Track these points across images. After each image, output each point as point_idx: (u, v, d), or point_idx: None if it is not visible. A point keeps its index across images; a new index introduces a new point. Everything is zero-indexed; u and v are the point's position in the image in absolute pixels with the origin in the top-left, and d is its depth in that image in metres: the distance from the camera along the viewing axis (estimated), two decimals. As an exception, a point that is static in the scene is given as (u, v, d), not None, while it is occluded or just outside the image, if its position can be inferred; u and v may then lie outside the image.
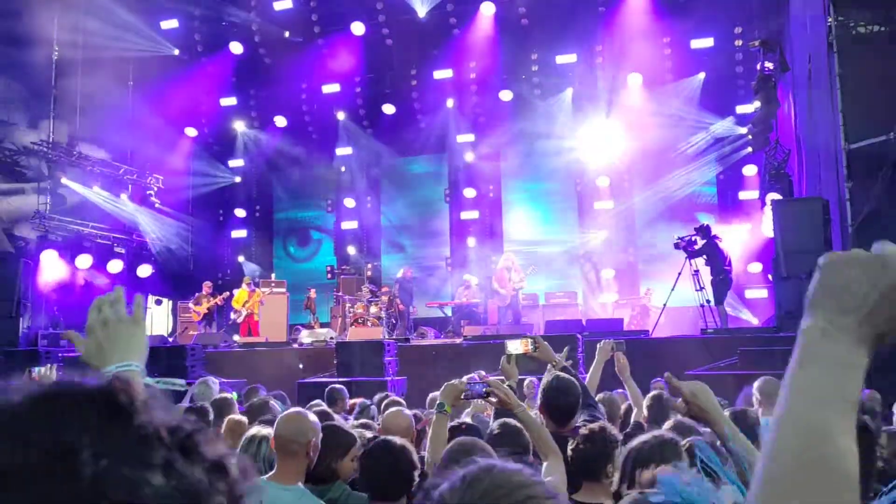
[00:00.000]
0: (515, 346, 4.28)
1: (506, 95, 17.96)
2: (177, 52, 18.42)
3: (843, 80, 9.60)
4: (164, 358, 11.58)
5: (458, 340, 12.59)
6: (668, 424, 3.71)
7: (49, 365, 6.13)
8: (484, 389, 3.36)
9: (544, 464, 3.03)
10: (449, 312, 16.37)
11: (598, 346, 5.02)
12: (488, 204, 18.95)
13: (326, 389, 6.99)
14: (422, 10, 17.08)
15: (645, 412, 4.74)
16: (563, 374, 3.85)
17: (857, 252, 0.89)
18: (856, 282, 0.86)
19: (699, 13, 15.46)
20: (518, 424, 3.33)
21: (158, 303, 18.80)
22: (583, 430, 3.14)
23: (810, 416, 0.81)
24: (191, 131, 19.45)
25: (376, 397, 6.55)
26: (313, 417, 3.28)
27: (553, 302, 16.06)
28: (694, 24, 15.84)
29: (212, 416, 5.00)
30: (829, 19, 9.93)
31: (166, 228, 18.93)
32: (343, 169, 19.94)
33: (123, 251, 17.91)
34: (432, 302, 17.03)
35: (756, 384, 5.03)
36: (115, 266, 17.37)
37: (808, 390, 0.83)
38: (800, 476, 0.78)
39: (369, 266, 17.46)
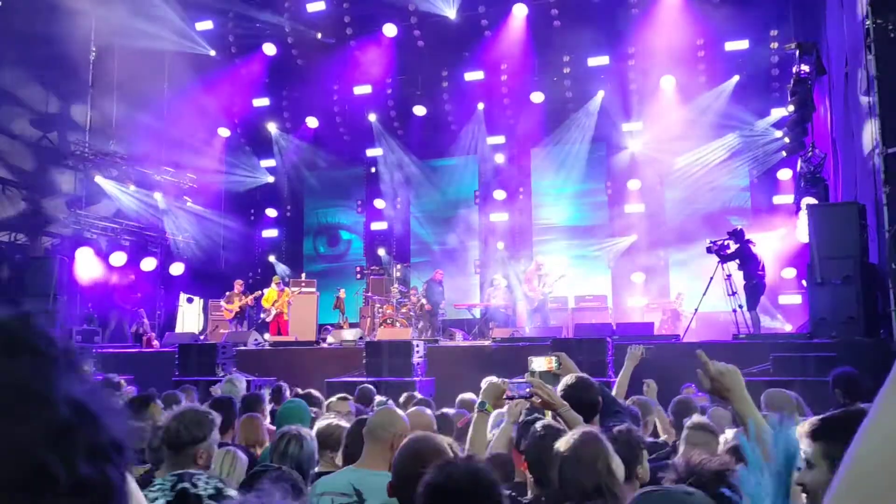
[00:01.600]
0: (539, 364, 4.24)
1: (537, 97, 17.91)
2: (213, 52, 18.63)
3: (881, 82, 9.42)
4: (195, 355, 11.72)
5: (486, 342, 12.57)
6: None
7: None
8: (528, 389, 3.37)
9: None
10: (477, 314, 16.36)
11: (628, 350, 4.99)
12: (518, 206, 18.91)
13: (358, 388, 7.07)
14: (453, 12, 17.10)
15: (670, 416, 4.70)
16: (581, 374, 3.85)
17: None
18: None
19: (734, 15, 15.29)
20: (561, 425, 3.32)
21: (190, 301, 19.03)
22: (610, 433, 3.12)
23: None
24: (224, 131, 19.68)
25: (402, 397, 6.57)
26: (402, 413, 3.51)
27: (582, 305, 15.97)
28: (728, 25, 15.66)
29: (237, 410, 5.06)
30: (867, 21, 9.75)
31: (199, 227, 19.16)
32: (373, 170, 20.05)
33: (157, 249, 18.17)
34: (461, 304, 17.03)
35: (763, 396, 4.82)
36: (149, 264, 17.62)
37: None
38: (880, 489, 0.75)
39: (398, 267, 17.51)
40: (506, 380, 3.67)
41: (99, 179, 17.11)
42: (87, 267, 16.14)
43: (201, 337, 16.02)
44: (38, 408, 0.57)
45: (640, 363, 5.09)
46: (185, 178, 18.94)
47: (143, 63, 16.51)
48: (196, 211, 19.16)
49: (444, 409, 5.39)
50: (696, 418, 3.86)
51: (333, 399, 5.44)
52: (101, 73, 16.93)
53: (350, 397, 5.70)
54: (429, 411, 4.55)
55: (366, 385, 7.08)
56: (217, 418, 3.33)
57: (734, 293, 11.57)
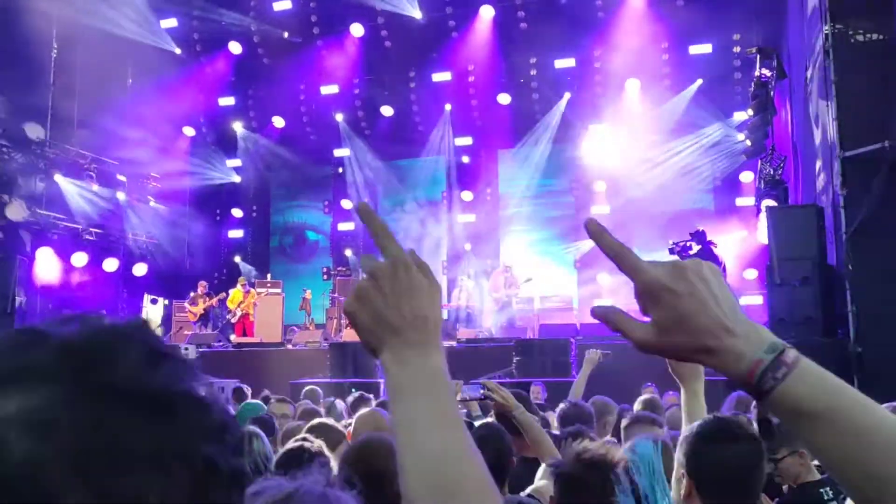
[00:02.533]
0: (468, 394, 4.12)
1: (504, 99, 17.97)
2: (178, 50, 18.41)
3: (839, 87, 9.61)
4: (158, 357, 11.56)
5: (452, 343, 12.59)
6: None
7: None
8: (481, 391, 3.37)
9: (541, 466, 3.04)
10: (444, 315, 16.35)
11: (586, 354, 5.03)
12: (485, 207, 18.96)
13: (304, 389, 7.10)
14: (420, 13, 17.08)
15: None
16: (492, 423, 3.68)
17: (357, 285, 0.96)
18: (377, 305, 0.92)
19: (698, 19, 15.46)
20: (500, 427, 3.32)
21: (154, 302, 18.78)
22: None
23: (425, 444, 0.84)
24: (189, 131, 19.45)
25: (350, 397, 6.53)
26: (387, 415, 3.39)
27: (548, 306, 16.04)
28: (692, 30, 15.84)
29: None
30: (826, 27, 9.93)
31: (163, 227, 18.91)
32: (340, 170, 19.96)
33: (119, 250, 17.90)
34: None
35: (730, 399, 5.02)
36: (111, 264, 17.35)
37: (410, 421, 0.86)
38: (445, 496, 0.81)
39: (365, 268, 17.41)
40: (459, 382, 3.67)
41: (59, 178, 16.80)
42: (47, 268, 15.87)
43: (165, 339, 15.81)
44: (199, 410, 0.62)
45: (600, 364, 5.14)
46: (148, 178, 18.69)
47: (106, 61, 16.25)
48: (160, 211, 18.91)
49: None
50: (636, 411, 3.92)
51: (273, 401, 5.40)
52: (63, 70, 16.63)
53: (290, 400, 5.67)
54: (384, 412, 4.52)
55: (313, 387, 7.08)
56: None
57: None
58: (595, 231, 0.92)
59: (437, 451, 0.83)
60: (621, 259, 0.92)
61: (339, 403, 6.09)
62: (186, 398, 0.62)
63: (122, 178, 18.08)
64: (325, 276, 19.01)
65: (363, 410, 4.35)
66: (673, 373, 2.23)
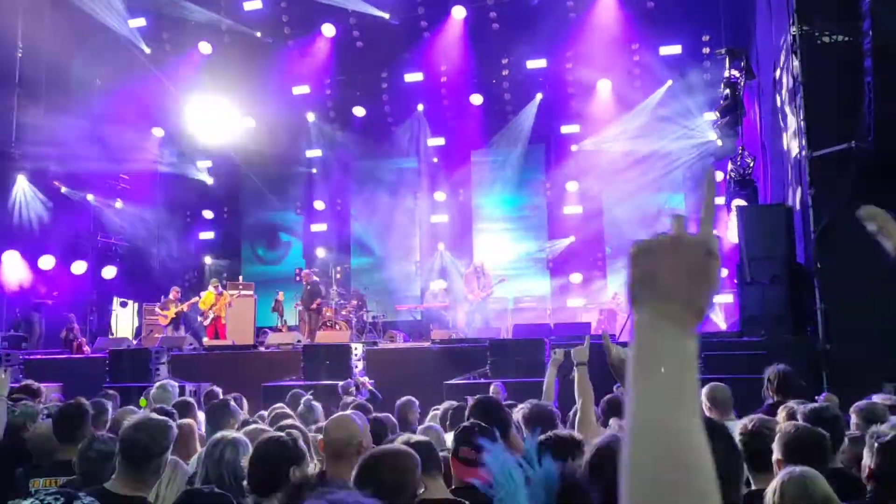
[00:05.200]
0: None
1: (476, 99, 17.99)
2: (148, 50, 18.17)
3: (806, 88, 9.74)
4: (127, 361, 11.44)
5: (426, 344, 12.58)
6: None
7: (4, 368, 5.98)
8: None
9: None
10: (418, 316, 16.34)
11: (551, 355, 5.10)
12: (458, 208, 18.96)
13: (290, 394, 6.97)
14: (392, 14, 17.03)
15: (600, 415, 4.78)
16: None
17: (660, 238, 0.90)
18: (666, 267, 0.87)
19: (668, 21, 15.63)
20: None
21: (124, 305, 18.56)
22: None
23: (662, 421, 0.81)
24: (158, 131, 19.20)
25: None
26: (359, 420, 3.33)
27: (521, 306, 16.10)
28: (663, 31, 16.01)
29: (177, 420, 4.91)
30: (794, 28, 10.06)
31: (132, 229, 18.65)
32: (314, 171, 19.83)
33: (88, 252, 17.63)
34: (402, 305, 16.98)
35: (704, 391, 4.97)
36: (79, 267, 17.10)
37: (652, 393, 0.83)
38: (665, 487, 0.78)
39: (338, 269, 17.36)
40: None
41: (22, 180, 16.48)
42: (14, 270, 15.60)
43: (135, 342, 15.62)
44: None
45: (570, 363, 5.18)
46: (118, 179, 18.44)
47: (73, 60, 16.02)
48: (129, 212, 18.66)
49: (375, 414, 5.33)
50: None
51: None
52: (29, 70, 16.34)
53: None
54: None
55: (297, 391, 7.00)
56: (174, 426, 3.23)
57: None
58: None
59: (676, 431, 0.80)
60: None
61: (317, 405, 6.02)
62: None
63: (90, 179, 17.81)
64: (298, 278, 18.87)
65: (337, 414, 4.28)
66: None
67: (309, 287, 15.61)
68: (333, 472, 3.08)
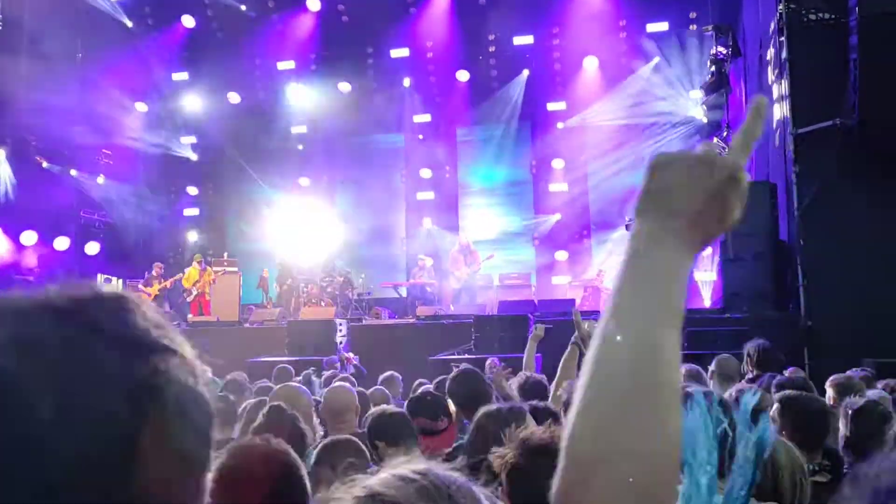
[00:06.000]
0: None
1: (462, 76, 17.90)
2: (130, 23, 17.91)
3: (792, 65, 9.76)
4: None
5: (411, 320, 12.60)
6: None
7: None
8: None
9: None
10: (404, 293, 16.34)
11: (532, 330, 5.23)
12: (444, 184, 18.90)
13: (276, 368, 7.00)
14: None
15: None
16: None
17: (684, 153, 0.86)
18: (683, 184, 0.83)
19: (655, -3, 15.58)
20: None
21: (107, 281, 18.43)
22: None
23: (641, 332, 0.78)
24: (141, 106, 19.00)
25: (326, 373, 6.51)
26: (353, 389, 4.08)
27: (507, 283, 16.11)
28: (649, 8, 15.97)
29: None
30: (780, 6, 10.06)
31: (115, 205, 18.49)
32: (300, 147, 19.66)
33: (71, 228, 17.48)
34: (387, 282, 16.97)
35: (714, 361, 5.41)
36: (62, 243, 16.96)
37: (635, 302, 0.80)
38: (634, 397, 0.75)
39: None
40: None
41: (2, 155, 16.26)
42: (-4, 246, 15.47)
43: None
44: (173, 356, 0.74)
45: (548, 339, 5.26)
46: (100, 155, 18.25)
47: (54, 33, 15.78)
48: (113, 188, 18.48)
49: (359, 388, 5.35)
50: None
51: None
52: (9, 44, 16.08)
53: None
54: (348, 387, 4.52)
55: (283, 366, 7.01)
56: None
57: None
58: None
59: (657, 345, 0.77)
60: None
61: (315, 379, 6.08)
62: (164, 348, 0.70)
63: (73, 154, 17.61)
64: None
65: (335, 384, 4.45)
66: None
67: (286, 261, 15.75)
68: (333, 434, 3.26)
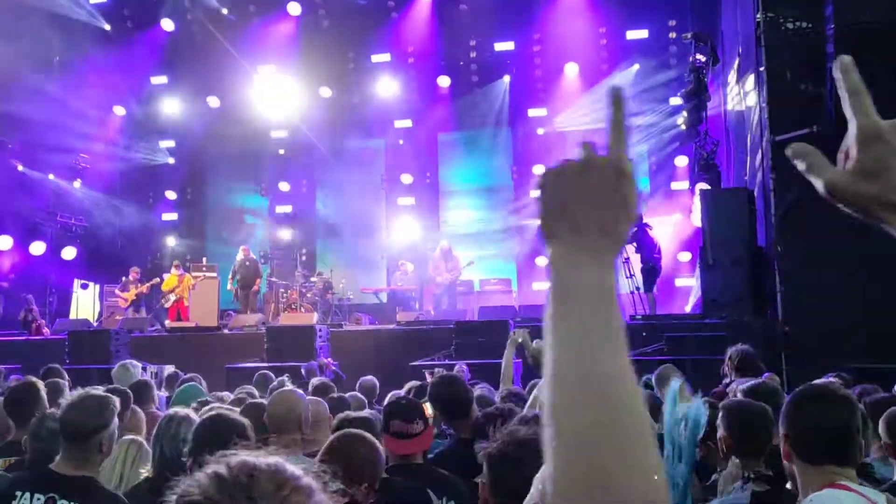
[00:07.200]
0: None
1: (444, 81, 17.90)
2: (108, 26, 17.77)
3: (770, 73, 9.84)
4: (87, 343, 11.28)
5: (391, 326, 12.56)
6: None
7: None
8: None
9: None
10: (384, 298, 16.29)
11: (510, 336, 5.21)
12: (425, 190, 18.88)
13: (257, 374, 6.95)
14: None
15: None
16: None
17: (564, 164, 0.84)
18: (575, 195, 0.81)
19: (635, 5, 15.69)
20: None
21: (84, 287, 18.24)
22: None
23: (587, 361, 0.74)
24: (119, 110, 18.84)
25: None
26: (300, 393, 3.65)
27: (488, 289, 16.11)
28: (630, 15, 16.08)
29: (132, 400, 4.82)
30: (758, 14, 10.15)
31: (93, 209, 18.30)
32: (281, 152, 19.55)
33: (47, 233, 17.28)
34: (368, 288, 16.91)
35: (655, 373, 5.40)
36: (38, 248, 16.76)
37: (577, 332, 0.76)
38: (603, 429, 0.71)
39: (303, 251, 17.24)
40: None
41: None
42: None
43: (96, 324, 15.39)
44: None
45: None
46: (77, 159, 18.05)
47: (31, 35, 15.60)
48: (90, 193, 18.30)
49: (339, 394, 5.32)
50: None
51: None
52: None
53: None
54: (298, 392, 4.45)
55: (265, 372, 6.96)
56: (117, 403, 3.16)
57: (632, 276, 11.91)
58: (847, 66, 0.87)
59: (604, 373, 0.73)
60: (856, 97, 0.85)
61: (290, 385, 5.99)
62: None
63: (49, 158, 17.41)
64: (263, 261, 18.70)
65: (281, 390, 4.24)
66: None
67: (248, 265, 15.57)
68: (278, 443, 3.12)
